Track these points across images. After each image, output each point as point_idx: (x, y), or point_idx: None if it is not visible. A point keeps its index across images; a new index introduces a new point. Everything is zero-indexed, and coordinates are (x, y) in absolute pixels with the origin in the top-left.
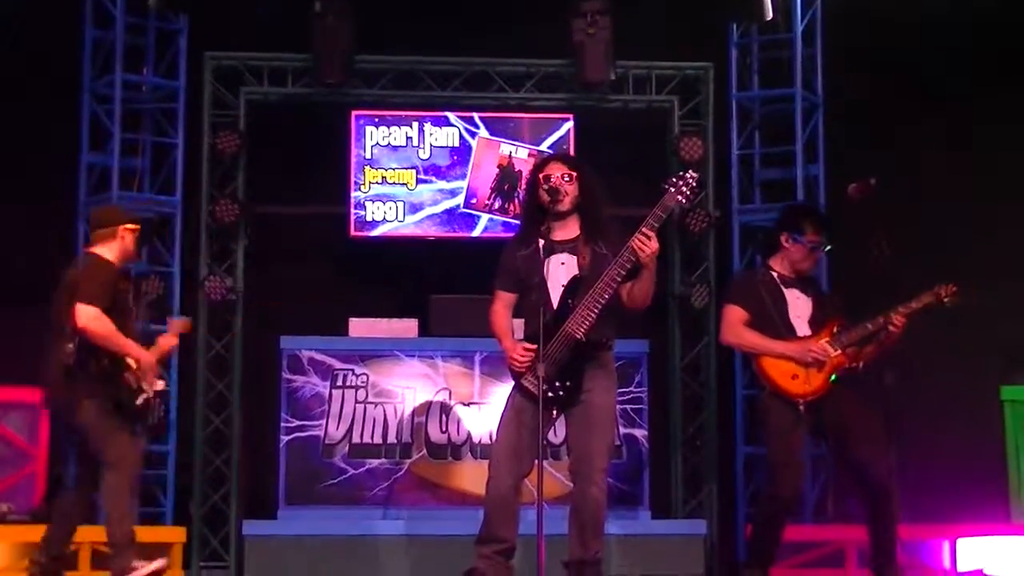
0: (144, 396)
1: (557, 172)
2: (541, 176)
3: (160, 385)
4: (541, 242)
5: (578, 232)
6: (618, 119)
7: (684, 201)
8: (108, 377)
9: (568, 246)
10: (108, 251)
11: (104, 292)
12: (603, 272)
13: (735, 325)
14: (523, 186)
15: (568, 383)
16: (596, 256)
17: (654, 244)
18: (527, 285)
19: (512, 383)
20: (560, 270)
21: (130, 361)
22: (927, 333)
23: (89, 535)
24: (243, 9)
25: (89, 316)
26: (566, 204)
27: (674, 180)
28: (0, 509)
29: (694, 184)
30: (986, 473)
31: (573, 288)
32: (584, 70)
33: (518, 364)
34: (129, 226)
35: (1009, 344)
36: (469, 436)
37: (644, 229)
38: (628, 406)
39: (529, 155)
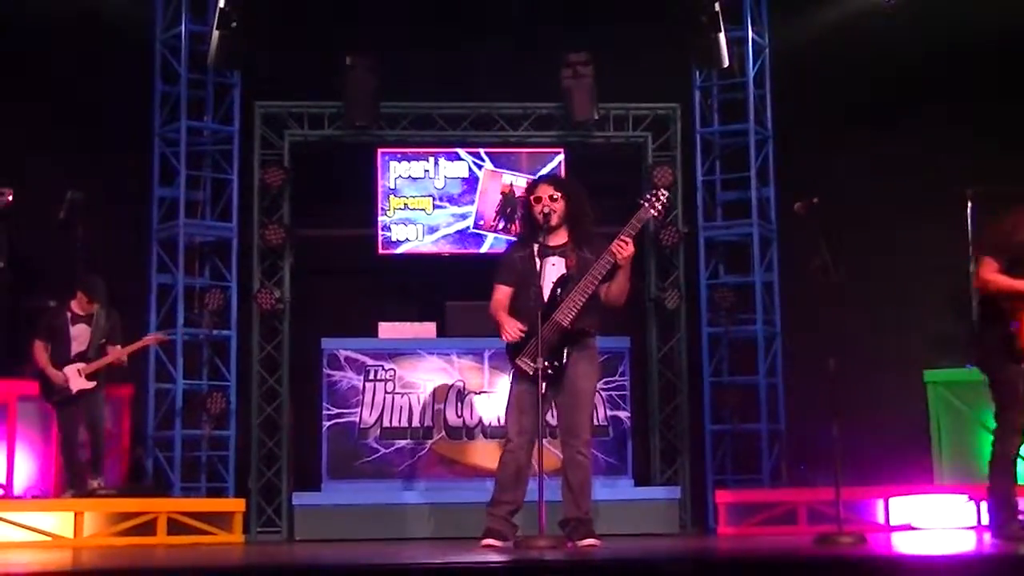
0: (61, 394)
1: (546, 194)
2: (533, 197)
3: (86, 385)
4: (536, 247)
5: (567, 239)
6: (601, 152)
7: (656, 214)
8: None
9: (558, 251)
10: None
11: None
12: (587, 272)
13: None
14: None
15: (556, 363)
16: (582, 259)
17: (630, 248)
18: (523, 281)
19: (512, 375)
20: (552, 270)
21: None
22: (864, 327)
23: (164, 506)
24: (286, 65)
25: (35, 350)
26: (554, 220)
27: (649, 196)
28: (91, 485)
29: (665, 200)
30: (913, 444)
31: (561, 284)
32: (572, 111)
33: (512, 336)
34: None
35: (930, 335)
36: (480, 420)
37: (622, 236)
38: (613, 392)
39: (527, 183)
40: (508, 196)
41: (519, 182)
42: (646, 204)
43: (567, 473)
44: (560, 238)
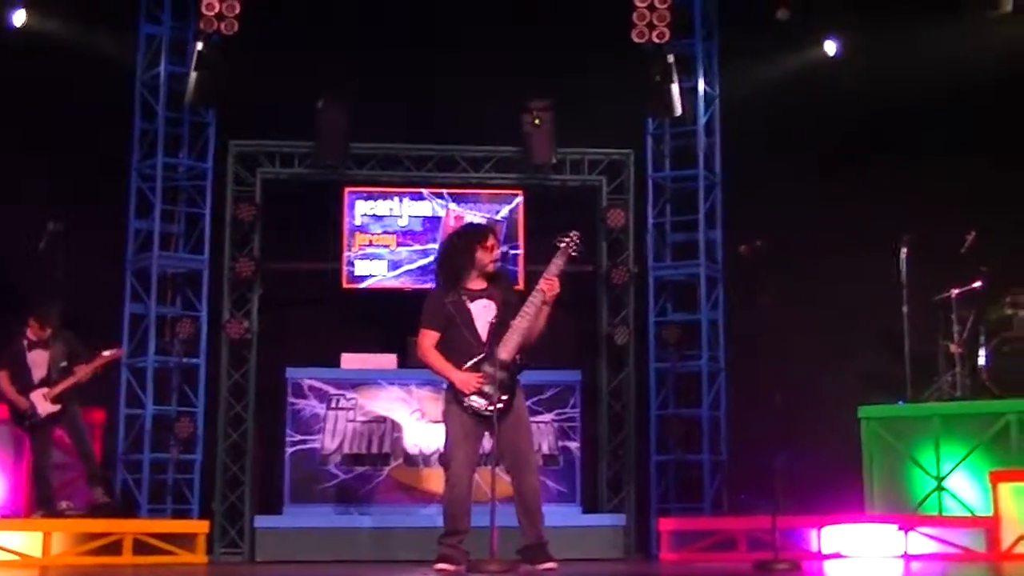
0: (31, 419)
1: (497, 245)
2: (488, 245)
3: (52, 408)
4: (464, 292)
5: (486, 284)
6: (558, 194)
7: (573, 253)
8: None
9: (484, 293)
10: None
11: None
12: (517, 310)
13: None
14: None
15: (504, 397)
16: (506, 300)
17: (557, 287)
18: (452, 325)
19: (448, 409)
20: (483, 312)
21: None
22: (804, 364)
23: (130, 527)
24: (260, 106)
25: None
26: (495, 268)
27: (563, 238)
28: (60, 506)
29: (578, 241)
30: (847, 476)
31: (496, 323)
32: (531, 155)
33: (472, 388)
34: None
35: (865, 373)
36: (437, 448)
37: (548, 276)
38: (564, 423)
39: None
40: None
41: (480, 221)
42: (562, 245)
43: (523, 496)
44: (482, 283)
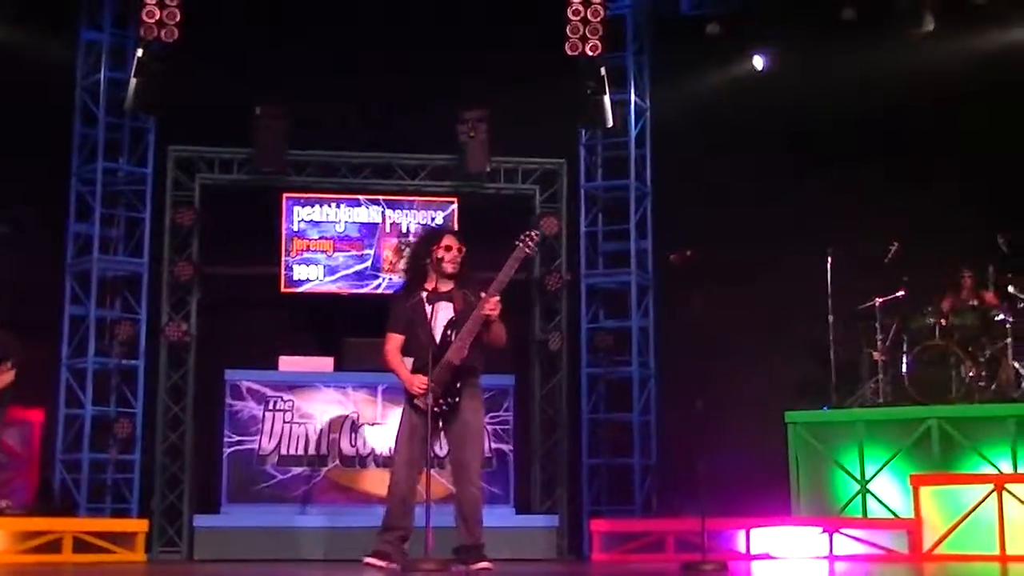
0: None
1: (455, 244)
2: (442, 247)
3: None
4: (424, 294)
5: (452, 285)
6: (492, 202)
7: (531, 252)
8: None
9: (446, 296)
10: None
11: None
12: (471, 315)
13: None
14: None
15: (449, 399)
16: (468, 303)
17: (497, 307)
18: (415, 327)
19: (403, 408)
20: (441, 314)
21: None
22: (732, 371)
23: (70, 526)
24: (199, 112)
25: None
26: (457, 268)
27: (523, 236)
28: (0, 505)
29: (537, 238)
30: (774, 479)
31: (451, 327)
32: (466, 164)
33: (419, 391)
34: None
35: (792, 380)
36: (373, 450)
37: (489, 296)
38: (498, 427)
39: (428, 233)
40: (404, 240)
41: (415, 228)
42: (520, 244)
43: (461, 504)
44: (446, 284)
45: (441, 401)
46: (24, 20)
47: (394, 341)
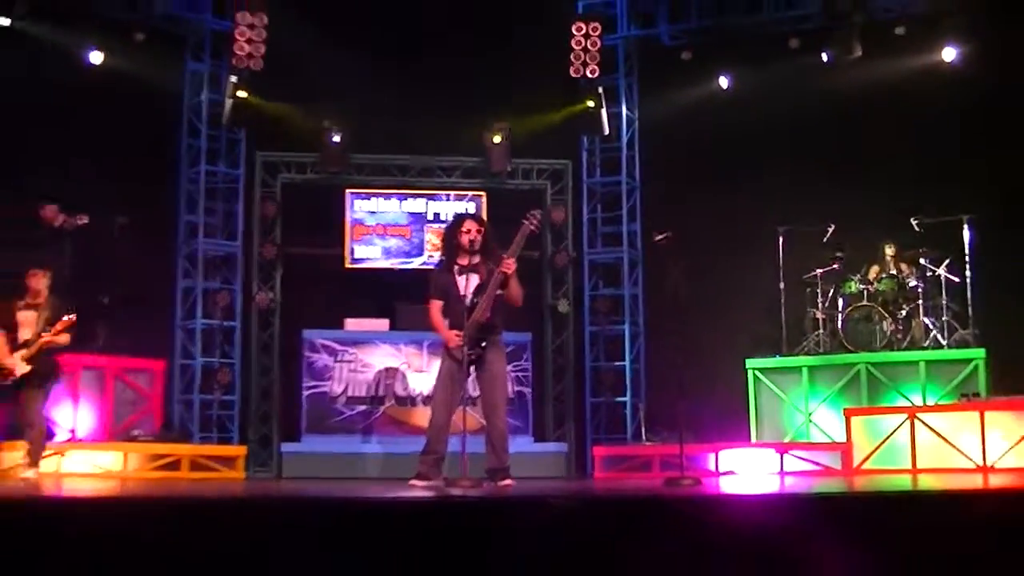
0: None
1: (473, 227)
2: (462, 230)
3: (24, 369)
4: (456, 267)
5: (479, 259)
6: (512, 195)
7: (535, 229)
8: None
9: (472, 268)
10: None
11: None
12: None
13: None
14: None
15: (478, 349)
16: (490, 272)
17: (513, 265)
18: (448, 294)
19: (442, 357)
20: (470, 283)
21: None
22: (704, 328)
23: (186, 450)
24: (281, 125)
25: None
26: (477, 245)
27: (528, 216)
28: (132, 433)
29: (540, 217)
30: (737, 413)
31: (477, 292)
32: (491, 165)
33: (455, 343)
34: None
35: (751, 334)
36: (420, 392)
37: (507, 257)
38: (519, 373)
39: (453, 219)
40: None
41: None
42: (526, 222)
43: (490, 434)
44: (473, 259)
45: (470, 352)
46: (144, 56)
47: (435, 306)
